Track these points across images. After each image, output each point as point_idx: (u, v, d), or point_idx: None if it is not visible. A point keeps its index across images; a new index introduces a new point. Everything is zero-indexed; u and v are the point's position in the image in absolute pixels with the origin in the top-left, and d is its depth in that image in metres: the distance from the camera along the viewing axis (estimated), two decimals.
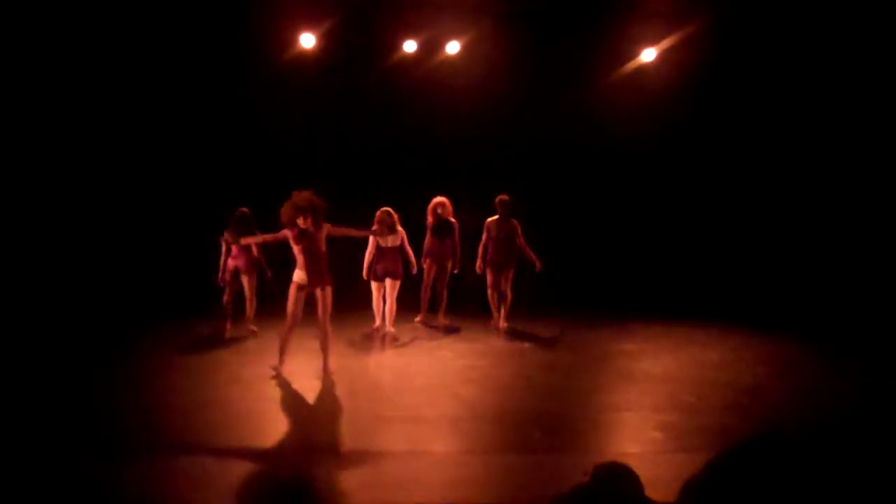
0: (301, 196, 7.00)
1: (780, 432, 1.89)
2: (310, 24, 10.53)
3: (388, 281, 9.00)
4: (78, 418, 5.93)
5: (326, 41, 10.72)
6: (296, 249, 7.15)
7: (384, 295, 9.12)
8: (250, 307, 8.89)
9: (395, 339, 8.94)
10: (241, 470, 5.01)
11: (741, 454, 1.78)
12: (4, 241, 9.77)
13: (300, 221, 6.98)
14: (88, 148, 10.58)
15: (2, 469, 4.78)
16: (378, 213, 8.68)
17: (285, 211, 7.04)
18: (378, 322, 9.24)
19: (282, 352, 7.21)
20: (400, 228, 9.00)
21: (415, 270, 9.35)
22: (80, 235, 10.26)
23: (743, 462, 1.74)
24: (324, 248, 7.18)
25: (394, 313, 9.06)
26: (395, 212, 8.81)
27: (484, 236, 9.49)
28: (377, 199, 9.12)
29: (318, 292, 7.16)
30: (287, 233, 7.12)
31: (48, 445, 5.30)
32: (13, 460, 4.95)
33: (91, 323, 9.10)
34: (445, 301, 9.68)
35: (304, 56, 10.75)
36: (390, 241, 8.93)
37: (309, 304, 7.23)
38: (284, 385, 6.95)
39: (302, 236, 7.06)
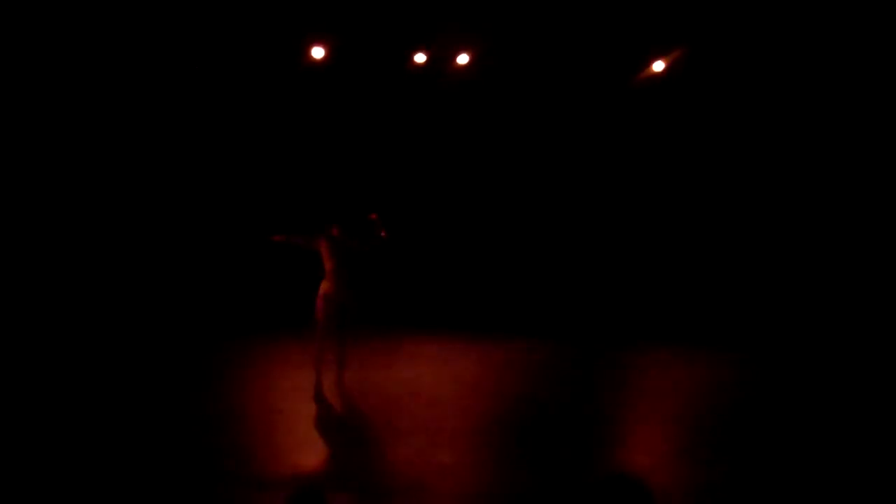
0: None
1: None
2: (320, 36, 10.57)
3: None
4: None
5: (337, 52, 10.74)
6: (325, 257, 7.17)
7: None
8: None
9: None
10: (253, 478, 5.04)
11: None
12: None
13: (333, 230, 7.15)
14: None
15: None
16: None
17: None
18: None
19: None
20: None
21: None
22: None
23: None
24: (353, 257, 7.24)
25: None
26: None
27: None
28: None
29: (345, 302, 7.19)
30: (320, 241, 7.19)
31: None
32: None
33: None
34: None
35: (314, 67, 10.78)
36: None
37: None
38: (298, 396, 6.97)
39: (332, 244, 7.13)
